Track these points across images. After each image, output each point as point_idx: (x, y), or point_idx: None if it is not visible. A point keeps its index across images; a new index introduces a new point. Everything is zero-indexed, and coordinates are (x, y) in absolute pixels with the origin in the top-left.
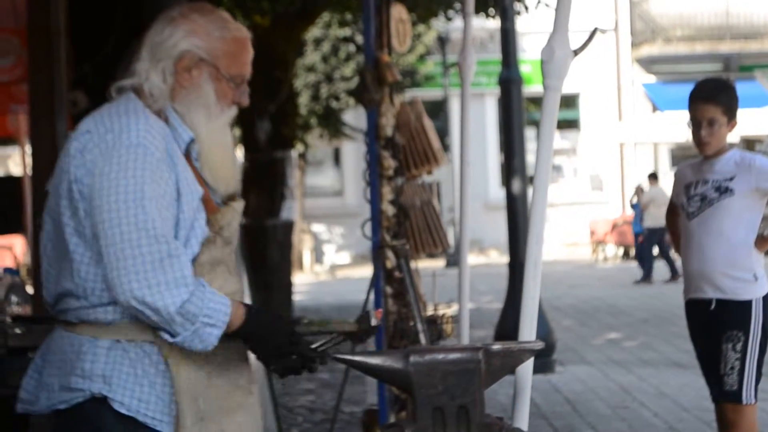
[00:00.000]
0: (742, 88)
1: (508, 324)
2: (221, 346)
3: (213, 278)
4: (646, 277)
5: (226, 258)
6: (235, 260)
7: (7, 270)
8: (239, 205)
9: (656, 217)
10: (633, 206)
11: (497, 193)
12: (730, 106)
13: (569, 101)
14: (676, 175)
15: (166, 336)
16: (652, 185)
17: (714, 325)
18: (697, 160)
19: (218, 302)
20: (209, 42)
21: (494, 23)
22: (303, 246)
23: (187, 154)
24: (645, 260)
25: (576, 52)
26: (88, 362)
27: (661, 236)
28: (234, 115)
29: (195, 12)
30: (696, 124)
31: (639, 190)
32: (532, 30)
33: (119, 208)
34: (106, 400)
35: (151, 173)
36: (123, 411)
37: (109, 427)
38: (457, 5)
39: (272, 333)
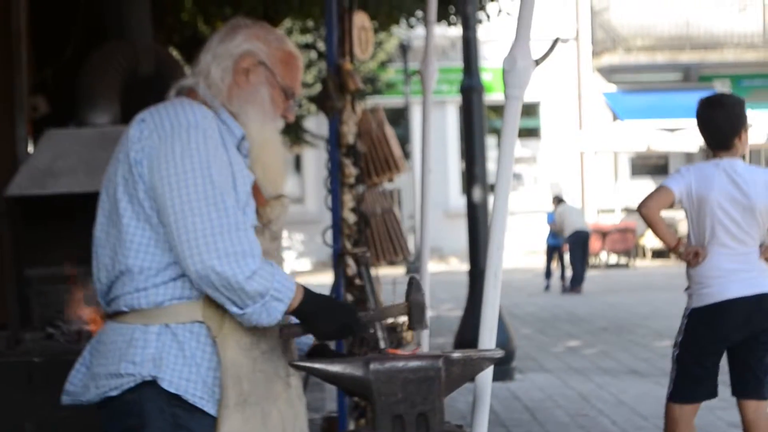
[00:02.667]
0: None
1: (468, 332)
2: (268, 335)
3: None
4: (578, 284)
5: (272, 252)
6: (280, 256)
7: None
8: (287, 201)
9: (572, 226)
10: (549, 218)
11: (458, 201)
12: None
13: (530, 110)
14: None
15: (234, 309)
16: (559, 206)
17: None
18: (689, 168)
19: (285, 278)
20: (269, 48)
21: (456, 31)
22: None
23: (238, 151)
24: (572, 268)
25: (537, 62)
26: (140, 348)
27: (584, 242)
28: (281, 127)
29: (256, 24)
30: None
31: (556, 200)
32: (494, 38)
33: (188, 185)
34: (153, 384)
35: (213, 151)
36: (171, 390)
37: (154, 411)
38: (419, 13)
39: (333, 314)
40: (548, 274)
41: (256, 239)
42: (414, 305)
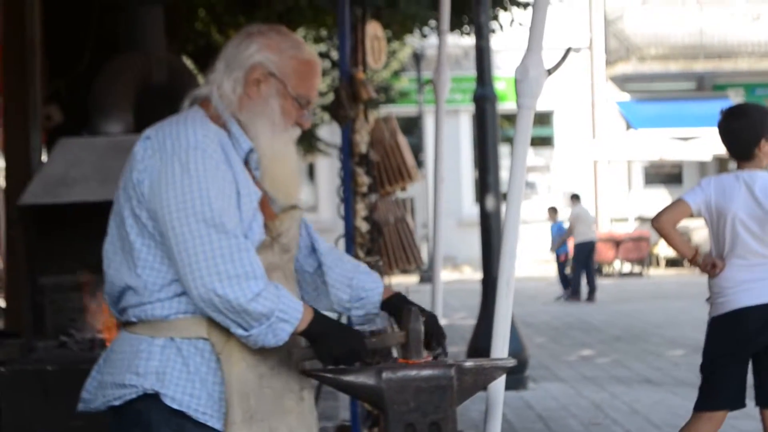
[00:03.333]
0: (715, 107)
1: (481, 340)
2: (277, 349)
3: None
4: (575, 293)
5: (283, 265)
6: (293, 269)
7: None
8: (298, 213)
9: (583, 233)
10: (553, 230)
11: (471, 210)
12: None
13: (543, 118)
14: None
15: (239, 331)
16: (574, 205)
17: None
18: (709, 178)
19: (291, 300)
20: (281, 58)
21: (469, 40)
22: None
23: (247, 163)
24: (573, 276)
25: (549, 72)
26: (143, 360)
27: (590, 252)
28: (297, 135)
29: (272, 30)
30: None
31: (552, 211)
32: (507, 47)
33: (186, 207)
34: (158, 396)
35: (213, 172)
36: (174, 406)
37: (160, 422)
38: (432, 22)
39: (341, 337)
40: (564, 283)
41: (258, 260)
42: (412, 334)
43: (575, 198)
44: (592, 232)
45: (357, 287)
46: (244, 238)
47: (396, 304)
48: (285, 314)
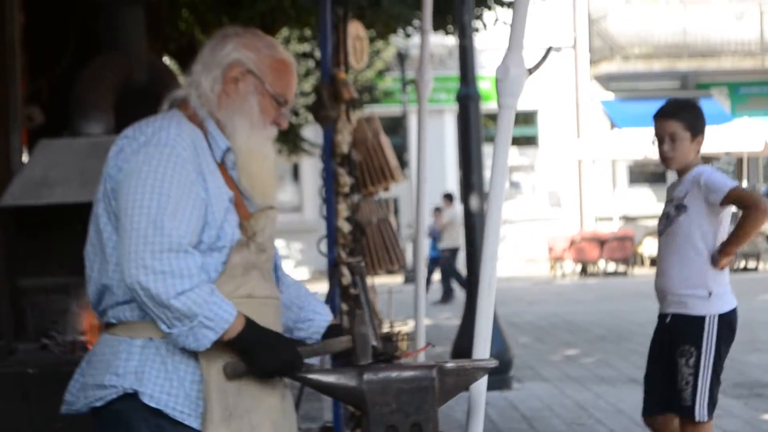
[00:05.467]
0: None
1: (465, 340)
2: None
3: (246, 281)
4: (449, 297)
5: (260, 264)
6: (271, 269)
7: None
8: (273, 213)
9: (454, 238)
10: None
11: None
12: (692, 123)
13: (528, 118)
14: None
15: (163, 327)
16: (447, 207)
17: (670, 339)
18: (676, 179)
19: (223, 308)
20: (258, 56)
21: (453, 40)
22: None
23: (223, 163)
24: (446, 280)
25: (530, 71)
26: (123, 360)
27: (455, 257)
28: (274, 134)
29: (248, 32)
30: (659, 140)
31: (437, 212)
32: (491, 47)
33: (136, 199)
34: (137, 395)
35: (175, 171)
36: (152, 404)
37: (139, 421)
38: (416, 22)
39: (273, 349)
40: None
41: (195, 264)
42: (359, 338)
43: (448, 198)
44: (460, 239)
45: (308, 309)
46: (185, 242)
47: (332, 334)
48: (210, 321)
